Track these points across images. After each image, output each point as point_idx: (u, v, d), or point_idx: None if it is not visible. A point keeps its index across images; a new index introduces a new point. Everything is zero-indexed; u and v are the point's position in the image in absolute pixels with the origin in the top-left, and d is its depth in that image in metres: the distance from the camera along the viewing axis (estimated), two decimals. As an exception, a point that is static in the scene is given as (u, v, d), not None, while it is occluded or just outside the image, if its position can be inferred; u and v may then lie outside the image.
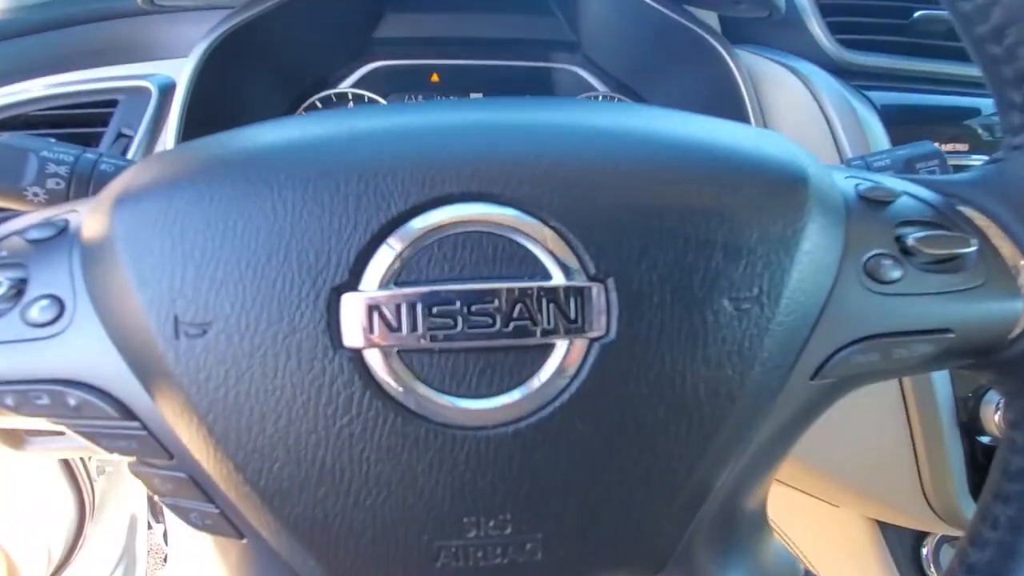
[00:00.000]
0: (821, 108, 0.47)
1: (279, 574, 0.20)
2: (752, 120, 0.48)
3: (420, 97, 0.64)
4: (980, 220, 0.23)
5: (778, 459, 0.22)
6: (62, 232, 0.21)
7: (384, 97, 0.63)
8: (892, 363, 0.21)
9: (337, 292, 0.17)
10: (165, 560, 1.31)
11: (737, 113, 0.49)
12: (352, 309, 0.17)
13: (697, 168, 0.19)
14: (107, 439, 0.20)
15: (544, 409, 0.18)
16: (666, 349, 0.18)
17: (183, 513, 0.21)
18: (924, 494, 0.50)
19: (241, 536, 0.20)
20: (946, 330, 0.21)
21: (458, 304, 0.17)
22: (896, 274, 0.20)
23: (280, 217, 0.17)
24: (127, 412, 0.19)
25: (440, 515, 0.18)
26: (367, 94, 0.63)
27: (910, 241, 0.21)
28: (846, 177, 0.23)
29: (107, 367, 0.19)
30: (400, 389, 0.18)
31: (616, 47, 0.60)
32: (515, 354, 0.18)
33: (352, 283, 0.18)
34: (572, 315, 0.18)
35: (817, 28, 0.53)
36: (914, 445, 0.48)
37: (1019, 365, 0.23)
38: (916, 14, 0.52)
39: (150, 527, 1.19)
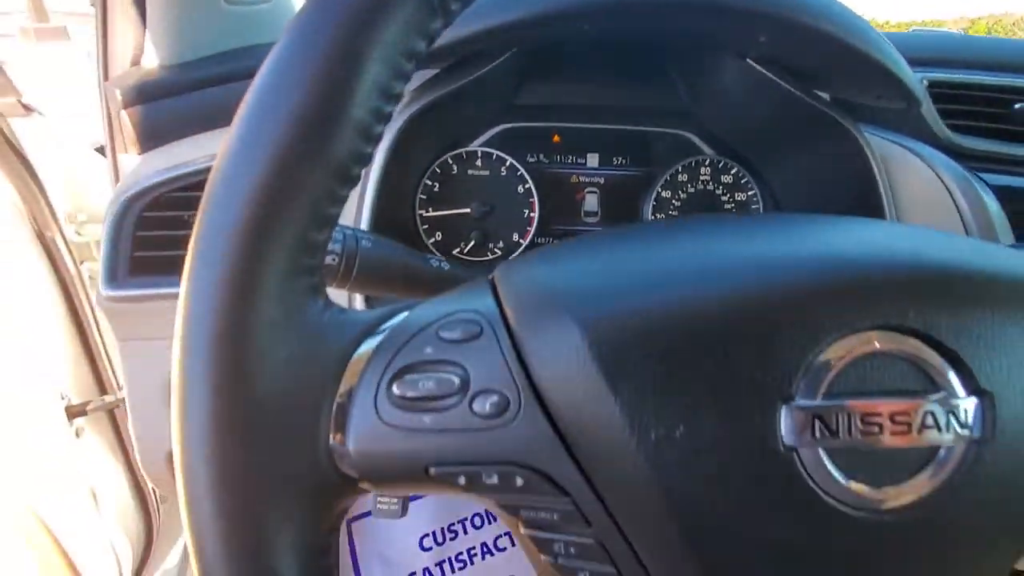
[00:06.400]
0: (949, 191, 0.53)
1: None
2: (884, 202, 0.53)
3: (542, 156, 0.69)
4: None
5: None
6: (482, 333, 0.24)
7: (511, 156, 0.67)
8: None
9: (780, 403, 0.21)
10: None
11: (869, 195, 0.54)
12: (793, 416, 0.21)
13: None
14: (529, 510, 0.23)
15: (935, 498, 0.22)
16: None
17: (569, 572, 0.24)
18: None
19: None
20: None
21: (884, 414, 0.21)
22: None
23: (732, 341, 0.21)
24: (561, 490, 0.23)
25: None
26: (496, 152, 0.67)
27: None
28: None
29: (549, 453, 0.22)
30: (826, 480, 0.21)
31: (734, 118, 0.65)
32: (918, 453, 0.22)
33: (791, 395, 0.22)
34: (964, 422, 0.22)
35: (931, 113, 0.59)
36: None
37: None
38: (1016, 105, 0.59)
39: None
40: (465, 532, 1.38)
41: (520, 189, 0.69)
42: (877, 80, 0.47)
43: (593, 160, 0.70)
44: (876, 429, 0.21)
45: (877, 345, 0.22)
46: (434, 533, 1.44)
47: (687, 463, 0.21)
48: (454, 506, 1.49)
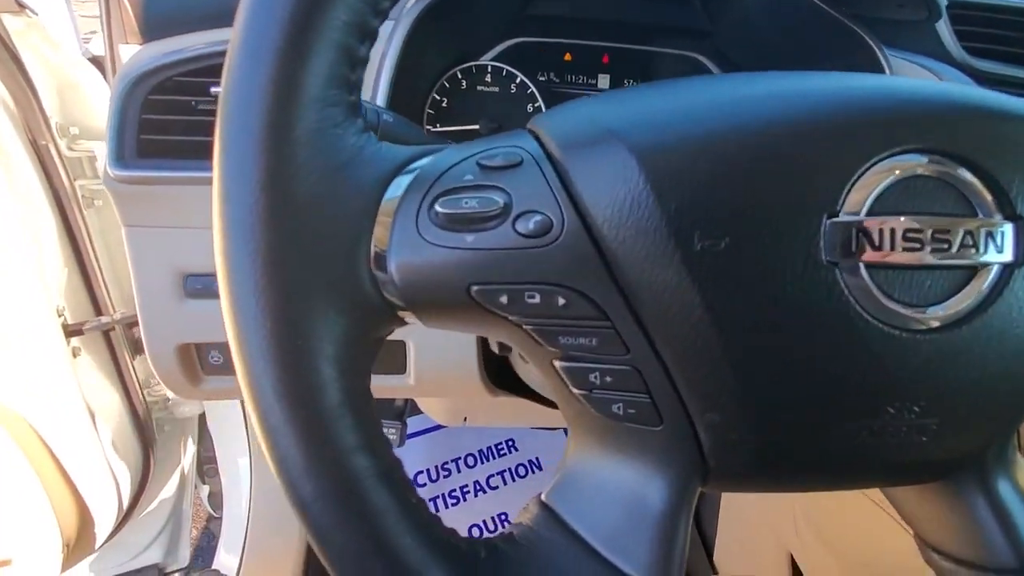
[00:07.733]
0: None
1: (685, 454, 0.24)
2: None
3: (552, 74, 0.68)
4: None
5: None
6: (524, 162, 0.24)
7: (522, 72, 0.66)
8: None
9: (825, 216, 0.21)
10: (208, 520, 1.32)
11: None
12: (836, 229, 0.21)
13: None
14: (568, 336, 0.23)
15: (968, 320, 0.22)
16: None
17: (603, 404, 0.24)
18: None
19: (659, 423, 0.24)
20: None
21: (926, 230, 0.21)
22: None
23: (781, 156, 0.21)
24: (602, 313, 0.23)
25: (870, 398, 0.22)
26: (507, 68, 0.66)
27: None
28: None
29: (591, 275, 0.22)
30: (865, 297, 0.22)
31: (752, 39, 0.64)
32: (952, 276, 0.22)
33: (835, 210, 0.22)
34: (1000, 246, 0.22)
35: (948, 34, 0.58)
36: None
37: None
38: (1035, 27, 0.58)
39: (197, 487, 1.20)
40: (459, 471, 1.42)
41: (530, 108, 0.67)
42: (902, -16, 0.47)
43: (604, 81, 0.69)
44: (917, 245, 0.22)
45: (921, 169, 0.22)
46: (429, 471, 1.47)
47: (729, 275, 0.21)
48: (449, 445, 1.52)
